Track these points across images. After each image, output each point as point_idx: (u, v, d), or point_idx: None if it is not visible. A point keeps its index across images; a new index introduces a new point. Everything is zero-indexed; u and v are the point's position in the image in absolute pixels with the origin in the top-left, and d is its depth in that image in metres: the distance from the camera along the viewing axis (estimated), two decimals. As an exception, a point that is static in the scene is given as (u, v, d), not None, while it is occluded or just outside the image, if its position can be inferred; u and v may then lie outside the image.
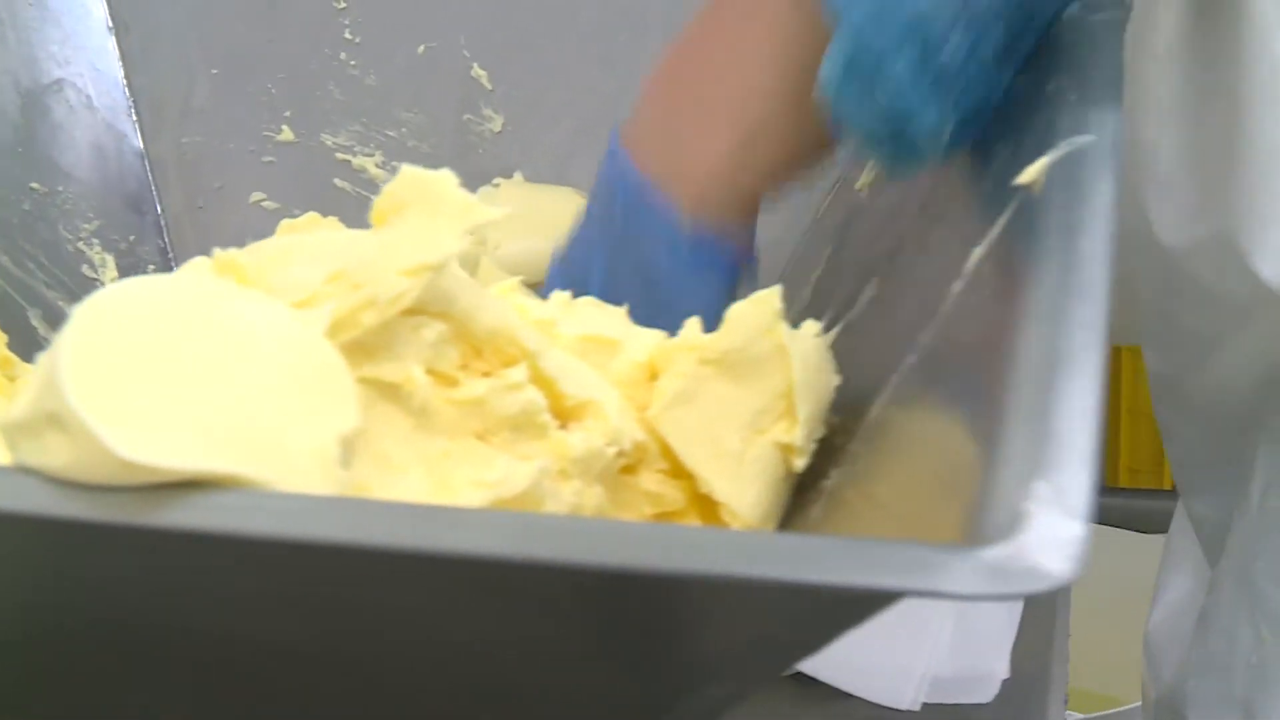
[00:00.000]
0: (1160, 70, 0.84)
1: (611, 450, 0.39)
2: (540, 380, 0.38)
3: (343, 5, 0.75)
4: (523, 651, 0.33)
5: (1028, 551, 0.26)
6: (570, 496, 0.38)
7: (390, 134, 0.74)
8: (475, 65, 0.74)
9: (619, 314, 0.45)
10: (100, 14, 0.76)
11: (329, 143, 0.74)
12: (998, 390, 0.32)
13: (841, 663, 0.60)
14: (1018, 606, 0.63)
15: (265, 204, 0.73)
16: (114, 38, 0.75)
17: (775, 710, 0.60)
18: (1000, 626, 0.62)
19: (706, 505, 0.42)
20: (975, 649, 0.61)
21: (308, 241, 0.38)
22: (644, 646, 0.32)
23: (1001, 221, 0.40)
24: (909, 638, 0.62)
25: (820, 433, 0.42)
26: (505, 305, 0.38)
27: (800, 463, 0.41)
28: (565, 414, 0.39)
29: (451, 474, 0.36)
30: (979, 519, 0.28)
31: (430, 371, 0.37)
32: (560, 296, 0.46)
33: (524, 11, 0.73)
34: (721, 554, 0.26)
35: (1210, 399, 0.90)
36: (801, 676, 0.60)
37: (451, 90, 0.73)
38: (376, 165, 0.73)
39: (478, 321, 0.37)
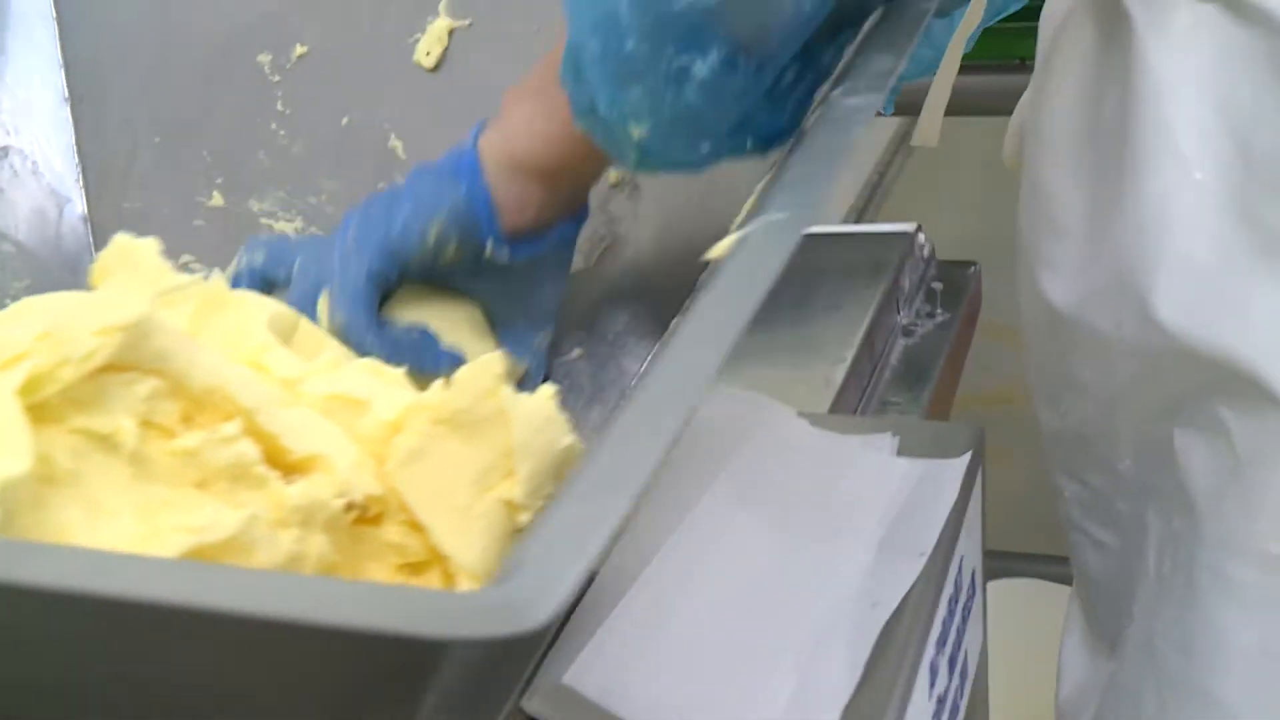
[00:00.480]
0: (1061, 122, 0.87)
1: (338, 502, 0.42)
2: (257, 434, 0.41)
3: (276, 79, 0.79)
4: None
5: (503, 597, 0.29)
6: (290, 544, 0.41)
7: (311, 200, 0.78)
8: (393, 136, 0.78)
9: (395, 375, 0.49)
10: (58, 85, 0.81)
11: (255, 208, 0.78)
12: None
13: (675, 714, 0.63)
14: (858, 664, 0.65)
15: (193, 265, 0.77)
16: (69, 108, 0.80)
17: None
18: (836, 684, 0.64)
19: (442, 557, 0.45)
20: (811, 703, 0.63)
21: (34, 304, 0.41)
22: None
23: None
24: (745, 691, 0.64)
25: (550, 489, 0.45)
26: (222, 363, 0.41)
27: (524, 518, 0.44)
28: (290, 467, 0.42)
29: (162, 520, 0.39)
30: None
31: (146, 424, 0.40)
32: (330, 358, 0.50)
33: (439, 88, 0.77)
34: (227, 590, 0.29)
35: (1103, 459, 0.91)
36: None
37: (369, 160, 0.77)
38: (296, 230, 0.77)
39: (192, 378, 0.40)
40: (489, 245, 0.73)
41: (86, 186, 0.79)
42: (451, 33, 0.76)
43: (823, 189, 0.44)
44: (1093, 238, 0.85)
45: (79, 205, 0.78)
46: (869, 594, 0.69)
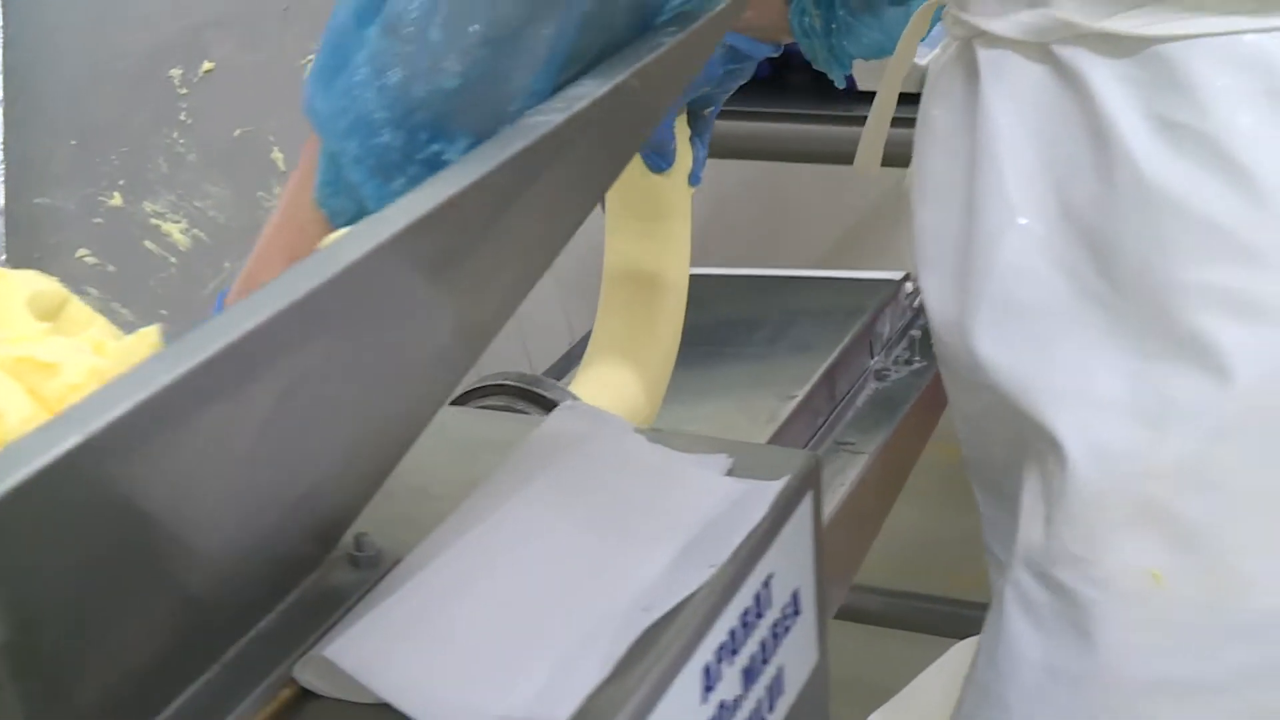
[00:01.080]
0: (930, 163, 0.91)
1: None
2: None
3: (184, 91, 0.85)
4: None
5: None
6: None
7: (197, 204, 0.84)
8: (275, 149, 0.84)
9: (107, 347, 0.54)
10: (-4, 89, 0.88)
11: (148, 209, 0.84)
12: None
13: (424, 693, 0.67)
14: (610, 660, 0.69)
15: (88, 259, 0.83)
16: (2, 110, 0.87)
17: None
18: (584, 678, 0.68)
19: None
20: (556, 694, 0.67)
21: None
22: None
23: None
24: (495, 679, 0.68)
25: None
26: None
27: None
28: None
29: None
30: None
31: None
32: (95, 334, 0.56)
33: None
34: None
35: (993, 482, 0.96)
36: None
37: (252, 170, 0.83)
38: (180, 231, 0.83)
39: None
40: None
41: (6, 182, 0.86)
42: (339, 55, 0.83)
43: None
44: (950, 273, 0.89)
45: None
46: (646, 598, 0.72)
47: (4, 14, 0.88)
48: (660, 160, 1.09)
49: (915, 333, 1.41)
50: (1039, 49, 0.83)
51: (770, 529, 0.79)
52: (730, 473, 0.82)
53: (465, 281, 0.61)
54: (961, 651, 1.75)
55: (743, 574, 0.76)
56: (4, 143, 0.88)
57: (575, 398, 1.02)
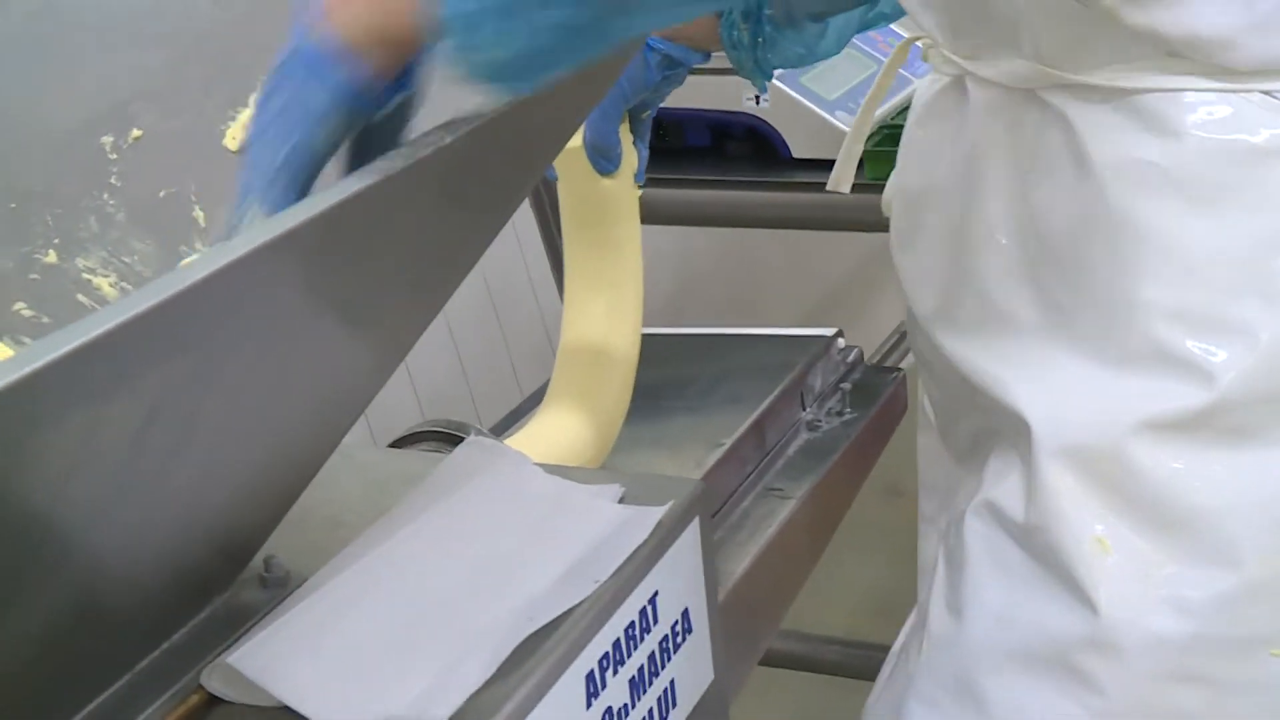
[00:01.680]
0: (918, 174, 1.03)
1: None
2: None
3: (114, 157, 0.92)
4: None
5: None
6: None
7: (126, 260, 0.90)
8: (197, 207, 0.90)
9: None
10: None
11: (80, 264, 0.91)
12: None
13: (318, 696, 0.72)
14: (493, 664, 0.74)
15: (24, 312, 0.89)
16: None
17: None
18: (466, 680, 0.73)
19: None
20: (440, 694, 0.73)
21: None
22: None
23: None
24: (384, 681, 0.73)
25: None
26: None
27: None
28: None
29: None
30: None
31: None
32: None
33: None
34: None
35: (961, 448, 1.08)
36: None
37: (177, 227, 0.90)
38: (110, 285, 0.90)
39: None
40: None
41: (-50, 243, 0.93)
42: (256, 121, 0.89)
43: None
44: (931, 276, 0.99)
45: (-60, 258, 0.93)
46: (531, 610, 0.78)
47: (-48, 91, 0.95)
48: (606, 163, 1.16)
49: (846, 386, 1.46)
50: (1026, 93, 0.92)
51: (656, 550, 0.84)
52: (621, 500, 0.88)
53: (342, 309, 0.67)
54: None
55: (626, 590, 0.82)
56: (-52, 208, 0.95)
57: (489, 436, 1.08)
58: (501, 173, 0.75)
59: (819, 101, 1.62)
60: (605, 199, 1.19)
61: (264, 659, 0.73)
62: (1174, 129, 0.87)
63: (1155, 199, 0.88)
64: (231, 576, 0.80)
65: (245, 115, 0.90)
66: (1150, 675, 0.92)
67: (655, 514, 0.85)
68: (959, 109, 0.99)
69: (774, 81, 1.61)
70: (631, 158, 1.20)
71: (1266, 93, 0.86)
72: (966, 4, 0.94)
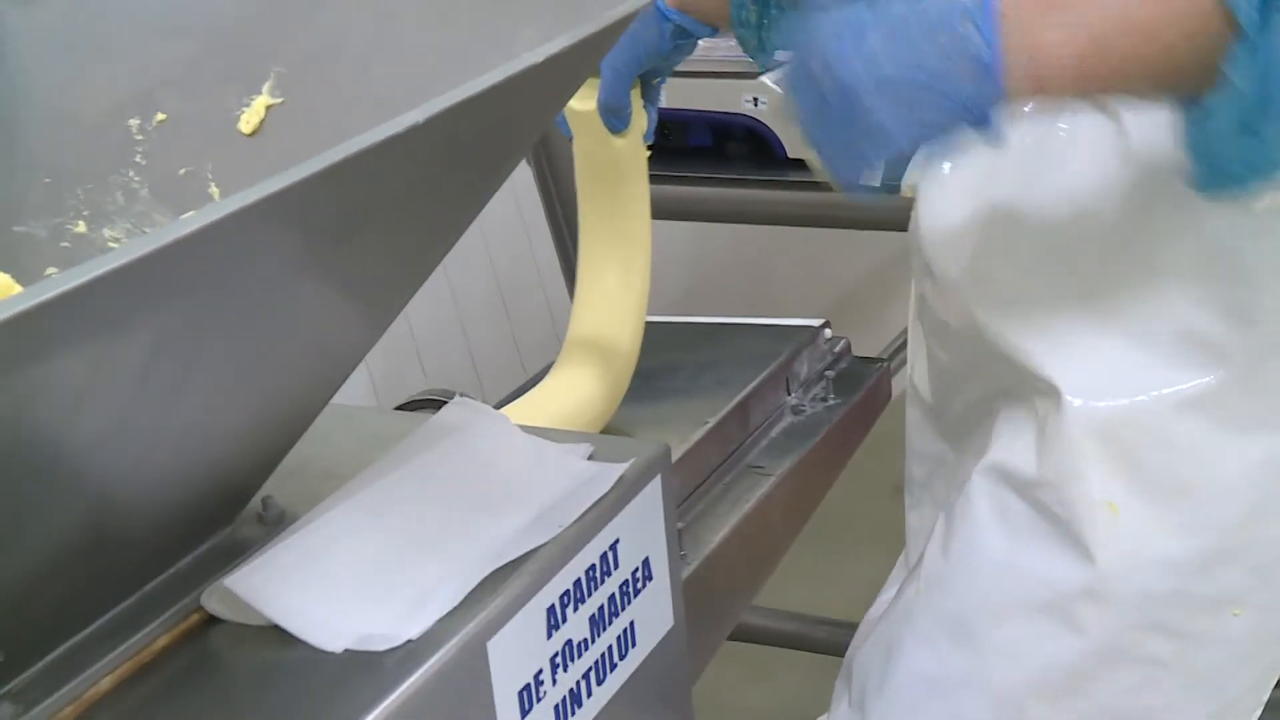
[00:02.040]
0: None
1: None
2: None
3: (140, 138, 1.01)
4: None
5: None
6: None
7: (148, 231, 0.99)
8: (212, 185, 0.99)
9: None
10: (-15, 136, 1.04)
11: (107, 235, 1.00)
12: None
13: (304, 616, 0.81)
14: (461, 592, 0.83)
15: (55, 276, 0.98)
16: (-12, 147, 1.03)
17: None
18: (439, 604, 0.82)
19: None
20: (416, 614, 0.81)
21: None
22: None
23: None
24: (366, 604, 0.82)
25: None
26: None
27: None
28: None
29: None
30: None
31: None
32: None
33: (252, 149, 0.98)
34: None
35: (948, 424, 1.17)
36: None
37: (194, 202, 0.98)
38: (132, 251, 0.99)
39: None
40: None
41: (-11, 213, 1.02)
42: (269, 108, 0.98)
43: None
44: (961, 257, 1.08)
45: (-17, 227, 1.02)
46: (501, 548, 0.86)
47: (-4, 74, 1.05)
48: (617, 122, 1.26)
49: (830, 374, 1.55)
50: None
51: (618, 501, 0.93)
52: (590, 458, 0.96)
53: (331, 269, 0.76)
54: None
55: (588, 535, 0.90)
56: (-12, 183, 1.04)
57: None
58: (481, 151, 0.84)
59: (814, 105, 1.70)
60: (617, 157, 1.29)
61: (257, 583, 0.82)
62: None
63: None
64: (232, 514, 0.89)
65: (258, 102, 0.99)
66: (1132, 625, 1.02)
67: (618, 469, 0.93)
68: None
69: (769, 84, 1.70)
70: (641, 119, 1.30)
71: None
72: None
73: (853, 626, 2.13)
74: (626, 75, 1.26)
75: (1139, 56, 0.82)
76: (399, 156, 0.71)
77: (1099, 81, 0.84)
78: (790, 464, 1.42)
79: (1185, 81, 0.82)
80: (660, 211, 1.79)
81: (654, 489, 0.97)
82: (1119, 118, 0.98)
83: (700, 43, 1.78)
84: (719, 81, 1.75)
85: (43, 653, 0.77)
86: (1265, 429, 1.01)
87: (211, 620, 0.83)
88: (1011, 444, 1.07)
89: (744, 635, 2.04)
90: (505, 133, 0.86)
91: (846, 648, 1.98)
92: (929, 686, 1.11)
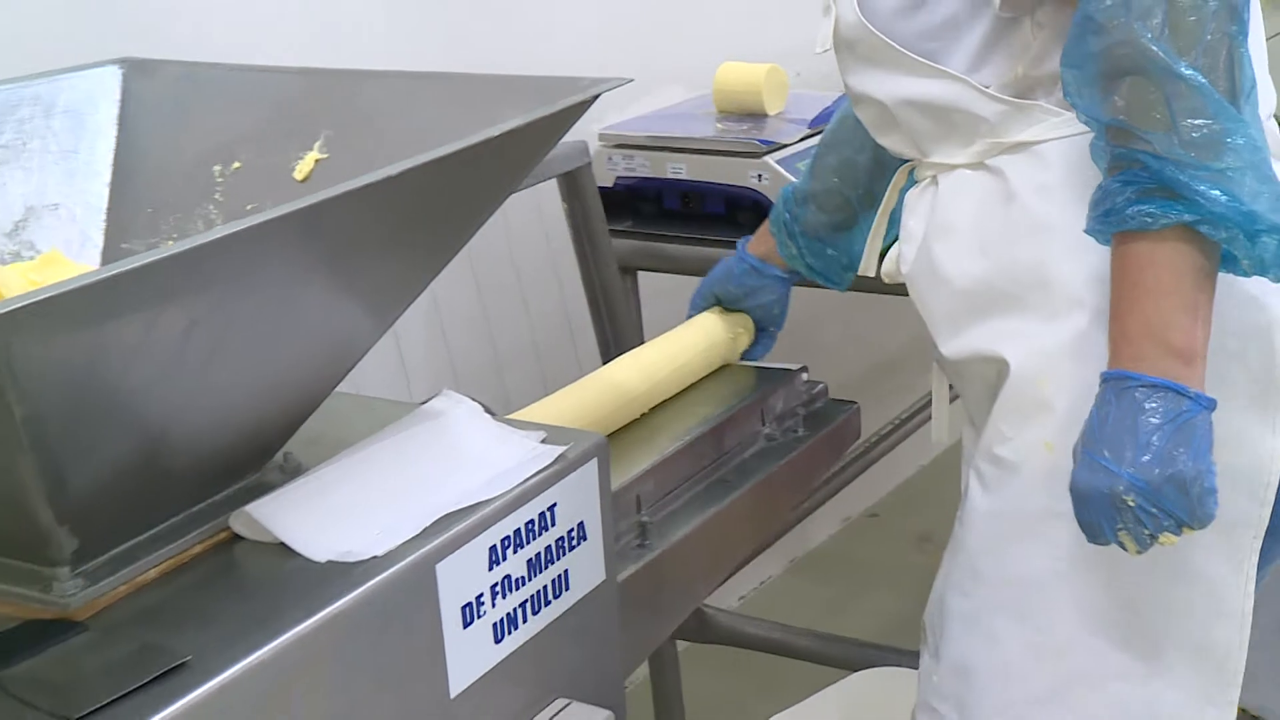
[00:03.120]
0: (911, 244, 1.45)
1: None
2: None
3: (220, 181, 1.28)
4: None
5: None
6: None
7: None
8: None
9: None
10: (106, 176, 1.33)
11: (189, 253, 1.27)
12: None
13: (303, 536, 1.06)
14: (418, 526, 1.08)
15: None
16: (109, 191, 1.31)
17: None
18: (402, 532, 1.07)
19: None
20: (383, 538, 1.06)
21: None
22: None
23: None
24: (351, 528, 1.07)
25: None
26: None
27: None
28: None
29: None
30: None
31: None
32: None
33: (302, 191, 1.24)
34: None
35: (970, 412, 1.47)
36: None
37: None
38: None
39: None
40: None
41: (107, 233, 1.29)
42: (317, 161, 1.24)
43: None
44: (936, 292, 1.39)
45: (98, 243, 1.29)
46: (457, 498, 1.12)
47: (119, 131, 1.32)
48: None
49: (803, 411, 1.78)
50: (979, 165, 1.32)
51: (557, 474, 1.18)
52: (543, 443, 1.21)
53: (332, 279, 1.02)
54: (862, 679, 2.09)
55: (529, 496, 1.15)
56: (109, 208, 1.31)
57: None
58: (455, 199, 1.10)
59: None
60: (713, 353, 1.76)
61: (270, 511, 1.08)
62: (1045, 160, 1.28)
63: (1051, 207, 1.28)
64: (260, 463, 1.15)
65: (309, 156, 1.26)
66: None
67: (560, 450, 1.18)
68: (932, 196, 1.34)
69: (771, 163, 1.95)
70: (743, 340, 1.79)
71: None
72: (937, 122, 1.33)
73: (859, 644, 2.36)
74: (707, 291, 1.79)
75: (1201, 284, 1.15)
76: (379, 198, 0.98)
77: (1200, 314, 1.15)
78: (754, 481, 1.66)
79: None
80: (681, 267, 2.05)
81: (591, 468, 1.21)
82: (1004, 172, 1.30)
83: (716, 125, 2.06)
84: (731, 159, 2.00)
85: (108, 548, 1.03)
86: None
87: (236, 538, 1.09)
88: (984, 427, 1.34)
89: (757, 646, 2.26)
90: (476, 186, 1.12)
91: (857, 662, 2.20)
92: (964, 622, 1.35)
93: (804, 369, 1.83)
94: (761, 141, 2.00)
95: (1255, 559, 1.27)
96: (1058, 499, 1.22)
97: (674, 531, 1.54)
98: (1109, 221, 1.14)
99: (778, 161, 1.96)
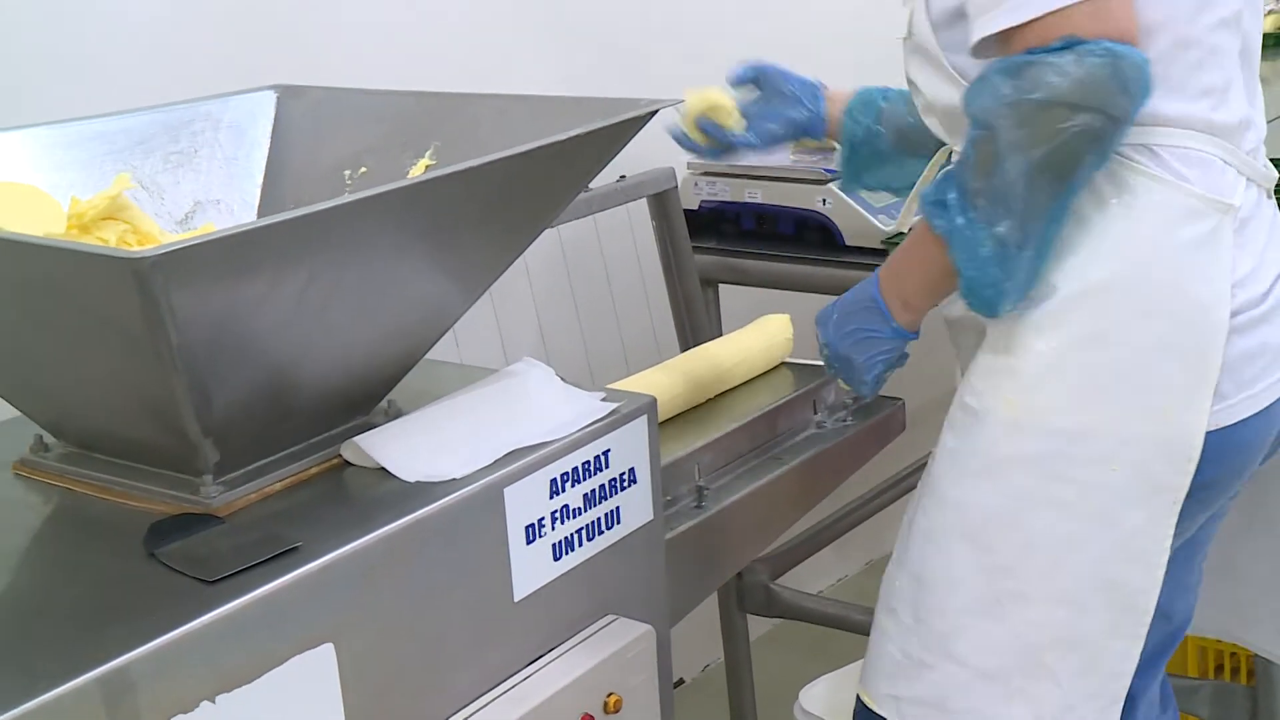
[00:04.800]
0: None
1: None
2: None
3: (349, 183, 1.49)
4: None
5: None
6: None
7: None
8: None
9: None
10: (258, 178, 1.54)
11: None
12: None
13: (399, 460, 1.26)
14: (495, 455, 1.26)
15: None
16: (260, 190, 1.53)
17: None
18: (480, 460, 1.26)
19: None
20: (465, 463, 1.25)
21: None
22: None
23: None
24: (441, 458, 1.26)
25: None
26: (150, 219, 1.11)
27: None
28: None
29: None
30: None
31: (121, 240, 1.09)
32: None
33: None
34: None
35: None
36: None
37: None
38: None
39: (141, 224, 1.09)
40: None
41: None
42: (427, 166, 1.44)
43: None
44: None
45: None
46: (524, 437, 1.30)
47: (271, 142, 1.54)
48: None
49: (851, 404, 1.94)
50: None
51: (611, 425, 1.36)
52: (604, 400, 1.39)
53: (426, 250, 1.21)
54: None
55: (585, 441, 1.33)
56: (260, 204, 1.52)
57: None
58: (527, 195, 1.29)
59: (868, 208, 2.12)
60: (773, 351, 1.93)
61: (374, 441, 1.27)
62: None
63: None
64: (368, 408, 1.34)
65: (421, 162, 1.46)
66: (1042, 475, 1.43)
67: (614, 405, 1.37)
68: None
69: (835, 189, 2.12)
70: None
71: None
72: (956, 121, 1.45)
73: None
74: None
75: (944, 280, 1.40)
76: (466, 185, 1.18)
77: (935, 295, 1.48)
78: (801, 459, 1.82)
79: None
80: (755, 280, 2.23)
81: (641, 423, 1.39)
82: None
83: (790, 156, 2.23)
84: (801, 186, 2.18)
85: (244, 464, 1.23)
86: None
87: (345, 464, 1.29)
88: (962, 383, 1.51)
89: (802, 616, 2.42)
90: (549, 181, 1.31)
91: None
92: (925, 538, 1.52)
93: (855, 367, 1.99)
94: (827, 170, 2.17)
95: (1174, 520, 1.41)
96: (1012, 446, 1.42)
97: (726, 497, 1.71)
98: (922, 202, 1.40)
99: (840, 188, 2.13)
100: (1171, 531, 1.41)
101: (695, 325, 2.29)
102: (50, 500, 1.26)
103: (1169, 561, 1.42)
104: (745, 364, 1.91)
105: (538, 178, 1.28)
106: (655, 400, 1.42)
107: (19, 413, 1.32)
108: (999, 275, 1.36)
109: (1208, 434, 1.39)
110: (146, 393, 1.15)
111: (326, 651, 1.11)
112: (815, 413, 1.92)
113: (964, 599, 1.47)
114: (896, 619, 1.53)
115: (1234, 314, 1.38)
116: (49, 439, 1.30)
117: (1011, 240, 1.34)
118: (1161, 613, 1.47)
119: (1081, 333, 1.40)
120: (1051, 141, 1.30)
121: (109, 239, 1.13)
